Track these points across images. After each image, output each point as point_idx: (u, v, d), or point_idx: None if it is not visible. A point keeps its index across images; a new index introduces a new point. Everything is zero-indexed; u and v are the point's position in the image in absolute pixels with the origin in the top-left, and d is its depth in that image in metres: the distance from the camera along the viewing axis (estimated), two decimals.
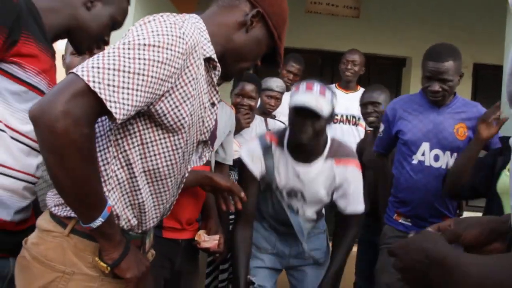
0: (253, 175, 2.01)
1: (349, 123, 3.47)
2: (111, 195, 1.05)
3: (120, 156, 1.05)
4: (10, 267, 1.19)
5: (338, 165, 2.01)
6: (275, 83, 3.12)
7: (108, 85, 0.92)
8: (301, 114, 1.88)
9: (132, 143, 1.05)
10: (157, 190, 1.12)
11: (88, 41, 1.34)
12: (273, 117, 3.28)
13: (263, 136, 2.08)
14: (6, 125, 1.13)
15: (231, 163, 2.49)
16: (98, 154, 1.03)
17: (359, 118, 3.39)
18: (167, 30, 1.00)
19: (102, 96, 0.91)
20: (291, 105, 1.91)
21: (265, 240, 2.18)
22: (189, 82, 1.05)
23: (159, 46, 0.98)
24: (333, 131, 3.21)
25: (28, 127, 1.13)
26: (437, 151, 2.27)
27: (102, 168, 1.03)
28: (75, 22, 1.29)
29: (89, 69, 0.92)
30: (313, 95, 1.85)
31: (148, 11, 3.94)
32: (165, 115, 1.04)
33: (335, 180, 2.03)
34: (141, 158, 1.06)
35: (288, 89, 3.44)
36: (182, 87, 1.04)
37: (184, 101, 1.05)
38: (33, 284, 1.03)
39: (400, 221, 2.36)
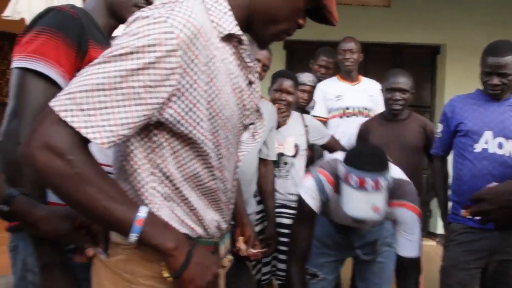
0: (313, 210, 2.00)
1: (363, 115, 3.26)
2: (162, 212, 0.97)
3: (156, 171, 0.96)
4: None
5: (392, 207, 1.90)
6: (307, 77, 3.16)
7: (82, 109, 0.84)
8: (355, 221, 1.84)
9: (163, 154, 0.95)
10: (207, 191, 1.02)
11: None
12: (308, 112, 3.30)
13: (316, 173, 2.02)
14: None
15: (275, 158, 2.56)
16: (132, 177, 0.96)
17: (370, 110, 3.28)
18: (148, 30, 0.86)
19: (75, 125, 0.83)
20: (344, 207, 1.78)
21: (327, 235, 2.25)
22: (198, 77, 0.90)
23: (137, 52, 0.85)
24: (348, 126, 3.18)
25: None
26: (500, 139, 2.25)
27: (143, 190, 0.96)
28: None
29: (61, 97, 0.85)
30: (365, 197, 1.70)
31: None
32: (178, 121, 0.92)
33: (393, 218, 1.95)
34: (177, 168, 0.96)
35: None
36: (191, 85, 0.90)
37: (198, 101, 0.92)
38: None
39: (469, 216, 2.29)
